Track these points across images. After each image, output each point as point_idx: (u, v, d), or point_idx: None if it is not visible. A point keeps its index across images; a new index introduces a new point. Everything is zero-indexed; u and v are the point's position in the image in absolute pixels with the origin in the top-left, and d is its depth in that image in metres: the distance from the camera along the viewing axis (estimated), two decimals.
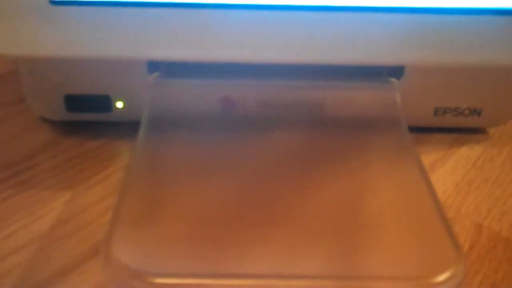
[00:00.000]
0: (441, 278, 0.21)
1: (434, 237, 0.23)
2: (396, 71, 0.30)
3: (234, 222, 0.23)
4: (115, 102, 0.31)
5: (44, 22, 0.25)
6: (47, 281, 0.23)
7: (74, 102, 0.31)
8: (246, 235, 0.23)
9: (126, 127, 0.32)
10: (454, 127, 0.33)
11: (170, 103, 0.29)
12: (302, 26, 0.28)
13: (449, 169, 0.31)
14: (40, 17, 0.25)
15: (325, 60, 0.29)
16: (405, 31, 0.29)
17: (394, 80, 0.30)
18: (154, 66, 0.29)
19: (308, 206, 0.24)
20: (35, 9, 0.25)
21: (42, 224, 0.26)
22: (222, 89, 0.30)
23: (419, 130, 0.33)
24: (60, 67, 0.29)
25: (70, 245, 0.25)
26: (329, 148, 0.28)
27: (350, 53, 0.29)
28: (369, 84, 0.30)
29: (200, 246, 0.22)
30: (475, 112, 0.32)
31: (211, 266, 0.21)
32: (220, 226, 0.23)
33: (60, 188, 0.28)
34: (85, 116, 0.32)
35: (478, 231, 0.27)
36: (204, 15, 0.27)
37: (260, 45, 0.28)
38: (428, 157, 0.32)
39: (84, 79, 0.30)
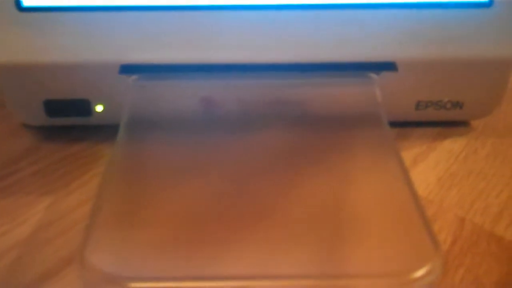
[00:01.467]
0: (418, 273, 0.20)
1: (412, 233, 0.22)
2: None
3: (213, 223, 0.23)
4: (94, 106, 0.31)
5: (13, 28, 0.25)
6: (27, 287, 0.23)
7: (54, 107, 0.30)
8: (225, 236, 0.22)
9: (107, 131, 0.32)
10: (437, 120, 0.33)
11: (150, 105, 0.29)
12: (288, 25, 0.28)
13: (432, 163, 0.31)
14: (8, 23, 0.25)
15: (308, 58, 0.29)
16: (389, 27, 0.29)
17: (373, 75, 0.30)
18: (132, 68, 0.29)
19: (288, 205, 0.24)
20: (3, 16, 0.25)
21: (23, 230, 0.26)
22: (201, 89, 0.30)
23: (401, 124, 0.33)
24: (38, 72, 0.29)
25: (50, 250, 0.25)
26: (309, 146, 0.27)
27: (337, 51, 0.29)
28: (348, 80, 0.30)
29: (178, 248, 0.22)
30: (457, 105, 0.32)
31: (190, 268, 0.21)
32: (198, 228, 0.23)
33: (41, 194, 0.28)
34: (65, 121, 0.32)
35: (460, 225, 0.27)
36: (178, 17, 0.27)
37: (247, 45, 0.28)
38: (410, 152, 0.32)
39: (63, 84, 0.30)
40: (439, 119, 0.33)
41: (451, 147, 0.32)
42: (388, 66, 0.29)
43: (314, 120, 0.29)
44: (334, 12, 0.28)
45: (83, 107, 0.31)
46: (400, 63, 0.29)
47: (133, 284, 0.20)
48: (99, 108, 0.31)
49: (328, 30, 0.29)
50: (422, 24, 0.29)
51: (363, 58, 0.29)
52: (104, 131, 0.32)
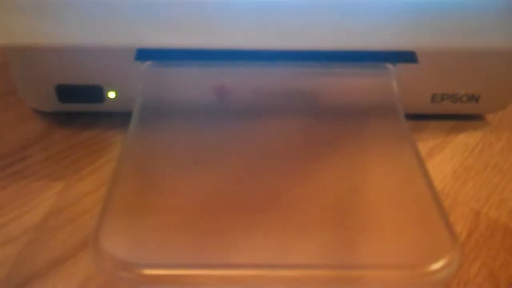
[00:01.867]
0: (436, 266, 0.20)
1: (430, 225, 0.22)
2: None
3: (227, 212, 0.23)
4: (107, 92, 0.30)
5: (27, 10, 0.24)
6: (38, 272, 0.23)
7: (66, 92, 0.30)
8: (238, 225, 0.22)
9: (119, 117, 0.31)
10: (452, 113, 0.33)
11: (163, 92, 0.29)
12: (306, 12, 0.28)
13: (447, 156, 0.31)
14: (22, 5, 0.24)
15: (325, 46, 0.29)
16: (409, 18, 0.28)
17: (390, 66, 0.30)
18: (146, 54, 0.29)
19: (303, 195, 0.24)
20: None
21: (34, 215, 0.26)
22: (215, 77, 0.29)
23: (416, 117, 0.33)
24: (51, 57, 0.29)
25: (62, 236, 0.25)
26: (324, 136, 0.27)
27: (355, 39, 0.28)
28: (365, 70, 0.30)
29: (191, 236, 0.22)
30: (473, 98, 0.32)
31: (203, 256, 0.21)
32: (212, 216, 0.23)
33: (53, 179, 0.28)
34: (77, 107, 0.31)
35: (476, 218, 0.27)
36: (195, 1, 0.27)
37: (263, 32, 0.28)
38: (425, 144, 0.31)
39: (76, 69, 0.29)
40: (455, 112, 0.33)
41: (466, 140, 0.32)
42: (408, 58, 0.29)
43: (329, 110, 0.28)
44: (353, 0, 0.27)
45: (96, 93, 0.30)
46: (419, 53, 0.29)
47: (146, 271, 0.20)
48: (111, 94, 0.31)
49: (347, 19, 0.28)
50: (441, 14, 0.29)
51: (382, 47, 0.29)
52: (116, 117, 0.32)
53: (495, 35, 0.29)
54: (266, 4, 0.27)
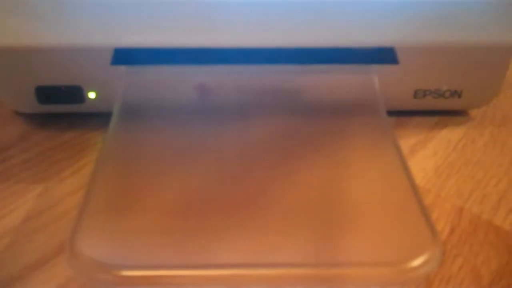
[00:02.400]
0: (416, 263, 0.20)
1: (410, 222, 0.22)
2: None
3: (207, 212, 0.23)
4: (87, 93, 0.30)
5: (2, 11, 0.24)
6: (17, 275, 0.23)
7: (46, 94, 0.30)
8: (218, 224, 0.22)
9: (100, 118, 0.31)
10: (435, 109, 0.33)
11: (143, 91, 0.29)
12: (285, 9, 0.28)
13: (430, 152, 0.31)
14: (3, 6, 0.24)
15: (306, 44, 0.29)
16: (389, 14, 0.28)
17: None
18: (125, 54, 0.28)
19: (284, 193, 0.24)
20: None
21: (14, 218, 0.26)
22: (197, 76, 0.29)
23: (399, 113, 0.33)
24: (29, 57, 0.28)
25: (41, 238, 0.25)
26: (306, 134, 0.27)
27: (337, 36, 0.28)
28: (346, 68, 0.30)
29: (171, 236, 0.21)
30: (456, 93, 0.32)
31: (182, 256, 0.21)
32: (191, 216, 0.23)
33: (33, 181, 0.28)
34: (57, 108, 0.31)
35: (458, 214, 0.27)
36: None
37: (243, 30, 0.28)
38: (408, 141, 0.31)
39: (55, 70, 0.29)
40: (437, 108, 0.33)
41: (449, 136, 0.32)
42: (389, 59, 0.29)
43: (311, 108, 0.28)
44: None
45: (76, 94, 0.30)
46: (399, 50, 0.29)
47: (124, 272, 0.20)
48: (91, 95, 0.30)
49: (327, 16, 0.28)
50: (421, 10, 0.29)
51: (362, 44, 0.29)
52: (98, 118, 0.32)
53: (477, 30, 0.30)
54: (244, 2, 0.27)
